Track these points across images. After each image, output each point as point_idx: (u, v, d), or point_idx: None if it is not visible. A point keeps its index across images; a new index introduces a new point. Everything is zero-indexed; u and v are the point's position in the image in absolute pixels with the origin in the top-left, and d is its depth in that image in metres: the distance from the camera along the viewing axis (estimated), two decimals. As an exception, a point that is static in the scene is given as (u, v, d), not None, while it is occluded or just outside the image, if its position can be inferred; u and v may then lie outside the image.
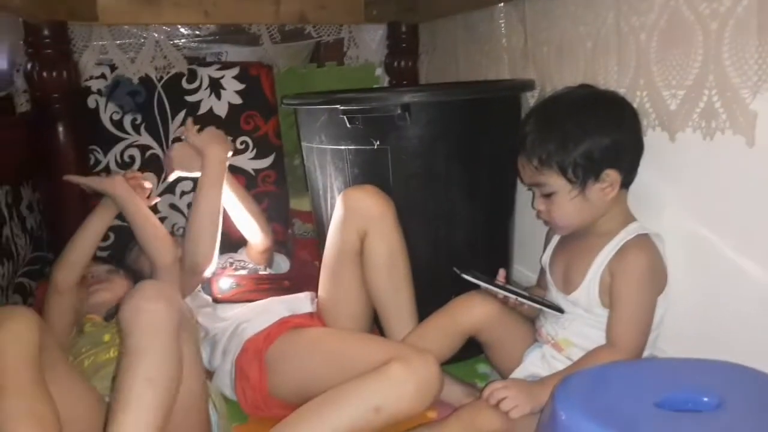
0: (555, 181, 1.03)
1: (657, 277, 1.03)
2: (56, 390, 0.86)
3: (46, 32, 1.52)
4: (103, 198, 1.37)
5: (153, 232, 1.33)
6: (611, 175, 1.02)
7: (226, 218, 1.57)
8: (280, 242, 1.93)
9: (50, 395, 0.85)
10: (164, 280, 1.29)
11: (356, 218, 1.22)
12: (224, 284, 1.41)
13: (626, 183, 1.05)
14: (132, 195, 1.34)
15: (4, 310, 0.91)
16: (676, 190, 1.09)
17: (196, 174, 1.43)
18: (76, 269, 1.29)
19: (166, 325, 0.90)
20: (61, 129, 1.58)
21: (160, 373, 0.86)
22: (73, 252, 1.30)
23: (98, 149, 1.77)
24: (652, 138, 1.08)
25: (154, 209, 1.83)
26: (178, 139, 1.49)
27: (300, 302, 1.35)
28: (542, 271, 1.21)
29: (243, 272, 1.50)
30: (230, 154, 1.44)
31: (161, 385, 0.85)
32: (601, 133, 1.00)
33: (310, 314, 1.31)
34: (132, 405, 0.83)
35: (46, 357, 0.87)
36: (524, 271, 1.51)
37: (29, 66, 1.54)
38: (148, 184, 1.42)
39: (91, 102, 1.75)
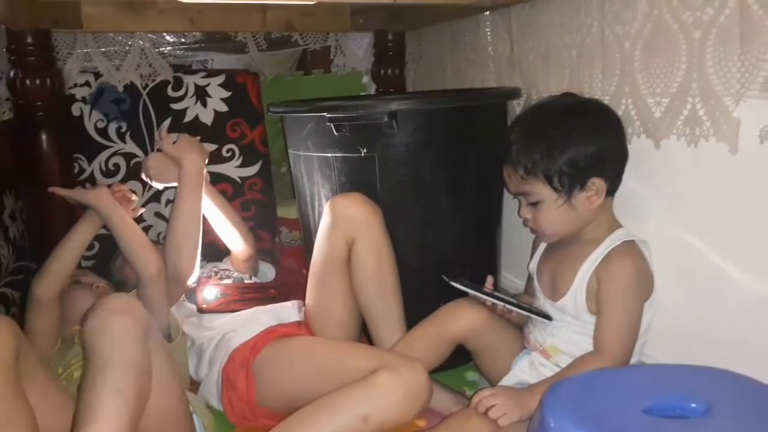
0: (541, 190, 1.03)
1: (643, 283, 1.04)
2: (34, 398, 0.85)
3: (29, 39, 1.49)
4: (87, 210, 1.35)
5: (138, 243, 1.31)
6: (597, 184, 1.02)
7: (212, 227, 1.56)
8: (266, 250, 1.92)
9: (28, 403, 0.84)
10: (150, 292, 1.28)
11: (343, 226, 1.22)
12: (209, 294, 1.40)
13: (611, 191, 1.06)
14: (116, 207, 1.33)
15: None
16: (662, 196, 1.10)
17: (174, 184, 1.42)
18: (59, 281, 1.27)
19: (132, 337, 0.90)
20: (44, 137, 1.55)
21: (129, 386, 0.85)
22: (55, 263, 1.28)
23: (83, 157, 1.75)
24: (637, 145, 1.09)
25: (139, 218, 1.81)
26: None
27: (286, 311, 1.34)
28: (530, 278, 1.21)
29: (228, 281, 1.49)
30: (207, 161, 1.44)
31: (130, 396, 0.84)
32: (586, 142, 1.01)
33: (297, 323, 1.30)
34: (100, 417, 0.81)
35: (23, 365, 0.86)
36: (512, 277, 1.52)
37: (12, 74, 1.52)
38: (133, 197, 1.41)
39: (75, 110, 1.74)
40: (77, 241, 1.32)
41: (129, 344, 0.89)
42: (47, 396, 0.92)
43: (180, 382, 1.05)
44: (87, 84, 1.74)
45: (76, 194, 1.37)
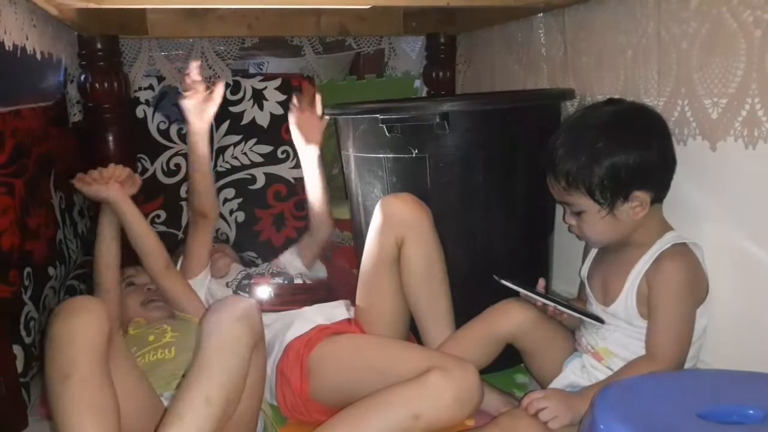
0: (583, 202, 1.02)
1: (696, 287, 1.02)
2: (118, 382, 0.88)
3: (98, 45, 1.58)
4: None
5: (147, 237, 1.32)
6: (640, 196, 1.00)
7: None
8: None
9: (113, 387, 0.87)
10: (164, 284, 1.32)
11: (393, 225, 1.23)
12: (262, 293, 1.45)
13: (658, 199, 1.04)
14: (127, 202, 1.31)
15: (77, 300, 0.93)
16: (718, 200, 1.08)
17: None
18: (104, 272, 1.29)
19: (240, 345, 0.91)
20: (111, 138, 1.64)
21: (221, 396, 0.86)
22: (95, 257, 1.32)
23: (145, 158, 1.83)
24: (693, 147, 1.07)
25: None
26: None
27: (336, 310, 1.35)
28: (582, 284, 1.20)
29: (279, 280, 1.53)
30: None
31: (218, 407, 0.86)
32: (628, 154, 0.99)
33: (348, 320, 1.32)
34: (185, 422, 0.84)
35: (112, 350, 0.89)
36: (563, 286, 1.49)
37: (82, 77, 1.60)
38: (137, 177, 1.37)
39: (139, 112, 1.82)
40: (104, 236, 1.31)
41: (235, 353, 0.90)
42: (131, 381, 0.95)
43: (263, 385, 1.06)
44: (150, 87, 1.82)
45: (92, 190, 1.31)
